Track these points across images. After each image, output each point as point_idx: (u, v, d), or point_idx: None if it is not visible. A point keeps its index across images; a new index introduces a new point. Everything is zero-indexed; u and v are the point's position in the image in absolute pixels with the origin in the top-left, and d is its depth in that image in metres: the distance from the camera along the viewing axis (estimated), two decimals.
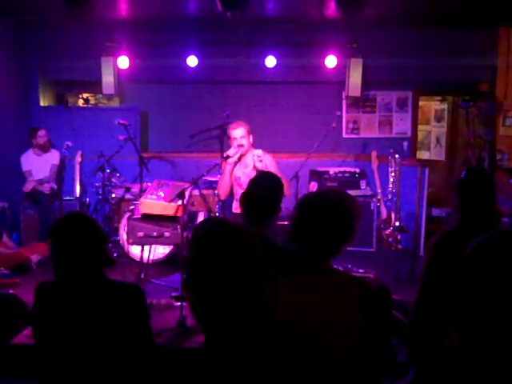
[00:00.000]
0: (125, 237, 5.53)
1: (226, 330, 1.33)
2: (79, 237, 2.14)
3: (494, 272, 1.37)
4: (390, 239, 5.44)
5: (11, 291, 4.20)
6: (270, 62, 7.32)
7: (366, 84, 7.43)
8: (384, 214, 5.82)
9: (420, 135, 8.68)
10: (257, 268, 1.36)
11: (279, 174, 4.55)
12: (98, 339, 2.10)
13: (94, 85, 7.56)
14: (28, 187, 6.55)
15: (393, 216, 5.56)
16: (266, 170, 4.45)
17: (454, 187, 2.68)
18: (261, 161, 4.50)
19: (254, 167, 4.67)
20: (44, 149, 6.70)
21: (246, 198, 2.81)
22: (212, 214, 5.87)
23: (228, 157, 4.59)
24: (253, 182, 2.87)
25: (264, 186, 2.82)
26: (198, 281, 1.35)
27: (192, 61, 7.32)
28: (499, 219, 2.65)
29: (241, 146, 4.62)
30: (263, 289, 1.38)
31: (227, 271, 1.32)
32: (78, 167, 6.52)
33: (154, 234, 4.32)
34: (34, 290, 2.22)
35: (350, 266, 5.43)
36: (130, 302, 2.16)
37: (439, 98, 8.85)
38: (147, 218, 4.39)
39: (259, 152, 4.69)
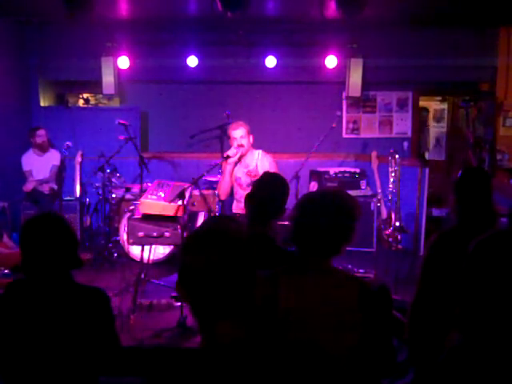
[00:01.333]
0: (125, 237, 5.53)
1: (220, 331, 1.33)
2: (47, 237, 2.14)
3: (495, 271, 1.37)
4: (390, 239, 5.44)
5: None
6: (270, 62, 7.32)
7: (366, 84, 7.42)
8: (384, 214, 5.81)
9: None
10: (250, 269, 1.35)
11: None
12: (60, 339, 2.11)
13: (94, 85, 7.56)
14: (28, 187, 6.55)
15: (393, 216, 5.56)
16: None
17: (452, 187, 2.69)
18: (255, 176, 4.53)
19: (255, 168, 4.68)
20: (43, 148, 6.70)
21: (250, 199, 2.81)
22: (212, 214, 5.88)
23: (228, 157, 4.59)
24: (258, 183, 2.87)
25: (269, 187, 2.82)
26: (191, 282, 1.35)
27: (192, 61, 7.32)
28: (497, 219, 2.65)
29: (241, 146, 4.62)
30: (258, 289, 1.38)
31: (219, 272, 1.32)
32: (78, 167, 6.53)
33: (154, 234, 4.32)
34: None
35: (350, 266, 5.43)
36: (93, 305, 2.18)
37: (439, 98, 8.86)
38: (147, 218, 4.39)
39: (261, 155, 4.69)
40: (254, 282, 1.37)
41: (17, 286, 2.21)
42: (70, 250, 2.20)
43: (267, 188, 2.80)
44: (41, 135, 6.64)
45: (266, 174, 3.02)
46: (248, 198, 2.83)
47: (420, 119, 7.96)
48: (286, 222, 2.09)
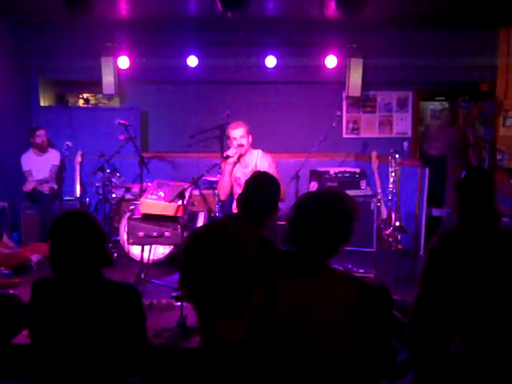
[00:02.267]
0: (125, 237, 5.53)
1: (220, 330, 1.33)
2: (78, 234, 2.13)
3: (501, 274, 1.37)
4: (390, 239, 5.44)
5: (11, 291, 4.20)
6: (270, 61, 7.32)
7: (366, 84, 7.42)
8: (384, 214, 5.81)
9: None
10: (252, 269, 1.35)
11: (278, 177, 4.56)
12: (91, 338, 2.10)
13: (94, 85, 7.56)
14: (28, 187, 6.55)
15: (393, 216, 5.56)
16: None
17: (454, 187, 2.68)
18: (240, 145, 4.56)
19: (255, 167, 4.68)
20: (42, 149, 6.69)
21: (242, 199, 2.81)
22: (212, 214, 5.87)
23: (228, 157, 4.59)
24: (248, 183, 2.87)
25: (259, 186, 2.81)
26: (192, 281, 1.35)
27: (192, 61, 7.32)
28: (500, 220, 2.65)
29: (241, 146, 4.62)
30: (257, 290, 1.38)
31: (220, 271, 1.32)
32: (78, 167, 6.52)
33: (154, 234, 4.32)
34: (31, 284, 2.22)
35: (350, 265, 5.43)
36: (125, 303, 2.15)
37: (439, 98, 8.85)
38: (147, 218, 4.39)
39: (260, 154, 4.69)
40: (256, 281, 1.37)
41: (45, 285, 2.20)
42: (100, 248, 2.18)
43: (258, 188, 2.80)
44: (40, 135, 6.64)
45: (256, 174, 3.01)
46: (239, 198, 2.83)
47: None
48: (284, 222, 2.08)
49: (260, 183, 2.84)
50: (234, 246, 1.34)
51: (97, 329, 2.10)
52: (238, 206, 2.85)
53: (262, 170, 4.61)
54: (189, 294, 1.36)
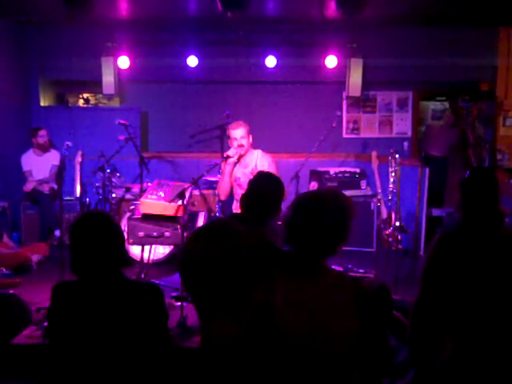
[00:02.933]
0: (125, 237, 5.53)
1: (219, 329, 1.33)
2: (99, 236, 2.13)
3: (502, 274, 1.37)
4: (391, 239, 5.44)
5: (11, 291, 4.20)
6: (270, 61, 7.33)
7: (366, 84, 7.43)
8: (384, 214, 5.82)
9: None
10: (249, 269, 1.35)
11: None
12: (116, 339, 2.09)
13: (94, 85, 7.57)
14: (29, 187, 6.55)
15: (393, 216, 5.56)
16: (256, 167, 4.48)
17: (459, 187, 2.68)
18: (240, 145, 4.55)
19: (255, 167, 4.67)
20: (44, 149, 6.70)
21: (245, 200, 2.80)
22: (212, 214, 5.87)
23: (228, 157, 4.59)
24: (252, 184, 2.87)
25: (263, 187, 2.81)
26: (189, 280, 1.35)
27: (192, 61, 7.33)
28: (503, 220, 2.64)
29: (241, 146, 4.62)
30: (258, 289, 1.38)
31: (219, 270, 1.32)
32: (78, 167, 6.53)
33: (155, 234, 4.32)
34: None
35: (350, 265, 5.43)
36: (149, 302, 2.14)
37: (439, 98, 8.85)
38: (147, 218, 4.39)
39: (260, 154, 4.69)
40: (255, 281, 1.37)
41: (66, 289, 2.19)
42: (120, 248, 2.19)
43: (261, 187, 2.80)
44: (42, 135, 6.64)
45: (259, 174, 3.01)
46: (242, 198, 2.83)
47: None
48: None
49: (264, 183, 2.84)
50: (233, 246, 1.35)
51: (122, 329, 2.09)
52: (241, 206, 2.84)
53: (261, 169, 4.61)
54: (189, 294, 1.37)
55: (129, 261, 2.25)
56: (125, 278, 2.20)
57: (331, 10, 6.01)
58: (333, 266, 2.15)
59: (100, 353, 2.09)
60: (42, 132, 6.65)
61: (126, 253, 2.22)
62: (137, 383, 2.13)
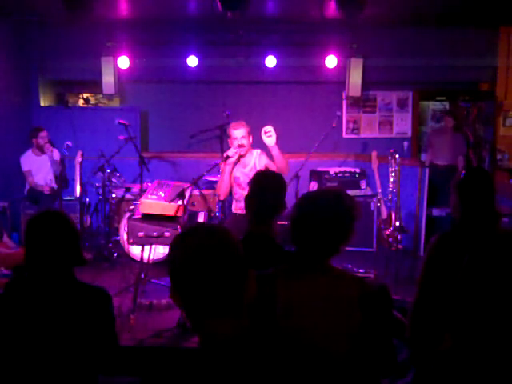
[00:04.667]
0: (125, 237, 5.53)
1: (213, 330, 1.33)
2: (51, 234, 2.14)
3: (494, 275, 1.37)
4: (391, 239, 5.44)
5: None
6: (270, 62, 7.33)
7: (366, 84, 7.43)
8: (384, 214, 5.81)
9: None
10: (240, 268, 1.35)
11: (280, 159, 4.52)
12: (59, 338, 2.11)
13: (94, 85, 7.57)
14: (33, 180, 6.57)
15: (393, 216, 5.55)
16: (274, 140, 4.48)
17: (454, 187, 2.68)
18: (270, 136, 4.51)
19: (254, 167, 4.67)
20: (43, 150, 6.69)
21: (250, 200, 2.81)
22: (212, 214, 5.88)
23: (228, 157, 4.58)
24: (255, 183, 2.87)
25: (267, 186, 2.81)
26: (181, 283, 1.35)
27: (192, 61, 7.33)
28: (499, 220, 2.65)
29: (241, 146, 4.61)
30: (250, 288, 1.37)
31: (209, 271, 1.31)
32: (78, 167, 6.52)
33: (155, 234, 4.32)
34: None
35: (350, 265, 5.43)
36: (95, 305, 2.17)
37: (439, 98, 8.86)
38: (147, 218, 4.39)
39: (259, 154, 4.69)
40: (246, 277, 1.37)
41: (17, 285, 2.21)
42: (72, 247, 2.19)
43: (265, 187, 2.80)
44: (43, 137, 6.62)
45: (260, 173, 3.01)
46: (248, 199, 2.83)
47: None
48: (286, 222, 2.08)
49: (266, 182, 2.84)
50: (217, 246, 1.34)
51: (66, 328, 2.11)
52: (245, 207, 2.85)
53: (260, 169, 4.61)
54: (180, 297, 1.36)
55: (82, 259, 2.25)
56: (74, 278, 2.21)
57: (331, 9, 6.01)
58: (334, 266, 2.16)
59: (43, 351, 2.10)
60: (43, 133, 6.64)
61: (79, 252, 2.23)
62: (81, 382, 2.16)
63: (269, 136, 4.51)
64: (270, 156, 4.66)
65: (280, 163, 4.50)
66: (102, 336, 2.19)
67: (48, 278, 2.15)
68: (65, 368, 2.12)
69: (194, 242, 1.34)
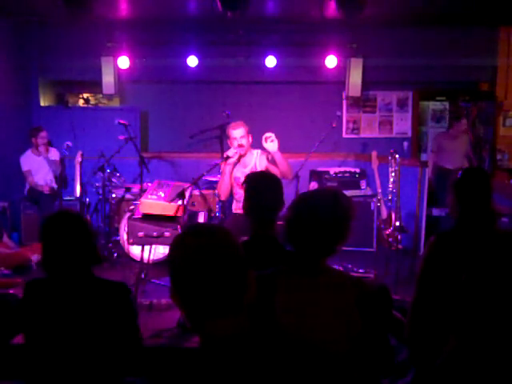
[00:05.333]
0: (125, 237, 5.53)
1: (216, 330, 1.33)
2: (69, 234, 2.16)
3: (498, 276, 1.37)
4: (390, 239, 5.44)
5: (11, 291, 4.20)
6: (270, 62, 7.33)
7: (366, 84, 7.43)
8: (384, 214, 5.81)
9: None
10: (240, 268, 1.35)
11: (283, 164, 4.50)
12: (85, 337, 2.11)
13: (94, 85, 7.57)
14: (33, 180, 6.56)
15: (393, 216, 5.55)
16: (275, 146, 4.46)
17: (451, 187, 2.68)
18: (272, 141, 4.46)
19: (254, 167, 4.67)
20: (42, 149, 6.68)
21: (250, 204, 2.81)
22: (212, 214, 5.88)
23: (228, 157, 4.58)
24: (251, 187, 2.88)
25: (264, 188, 2.82)
26: (182, 284, 1.34)
27: (192, 61, 7.33)
28: (496, 219, 2.65)
29: (241, 146, 4.61)
30: (250, 288, 1.38)
31: (210, 271, 1.31)
32: (78, 167, 6.52)
33: (155, 234, 4.32)
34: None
35: (350, 265, 5.43)
36: (117, 300, 2.18)
37: (439, 98, 8.86)
38: (147, 218, 4.39)
39: (259, 154, 4.69)
40: (246, 277, 1.37)
41: (37, 285, 2.21)
42: (90, 246, 2.21)
43: (262, 189, 2.81)
44: (43, 137, 6.62)
45: (253, 176, 3.01)
46: (247, 202, 2.84)
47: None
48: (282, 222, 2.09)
49: (263, 184, 2.85)
50: (217, 246, 1.34)
51: (90, 327, 2.12)
52: (244, 211, 2.86)
53: (261, 169, 4.61)
54: (181, 298, 1.36)
55: (100, 258, 2.30)
56: (94, 276, 2.23)
57: (331, 9, 6.01)
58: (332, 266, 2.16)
59: (69, 350, 2.11)
60: (43, 133, 6.63)
61: (96, 250, 2.26)
62: (106, 380, 2.15)
63: (271, 141, 4.46)
64: (271, 161, 4.64)
65: (283, 168, 4.49)
66: (125, 331, 2.19)
67: (69, 278, 2.17)
68: (90, 366, 2.12)
69: (194, 243, 1.34)
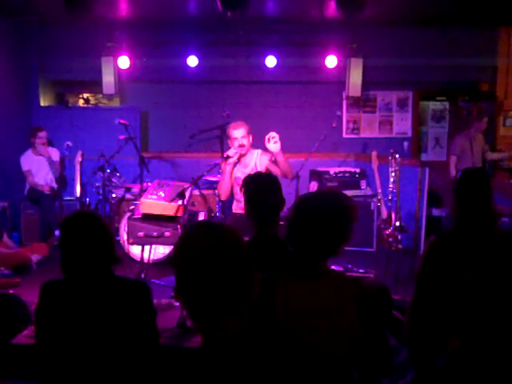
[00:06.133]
0: (125, 237, 5.53)
1: (220, 329, 1.33)
2: (90, 234, 2.16)
3: (503, 276, 1.37)
4: (391, 239, 5.44)
5: (11, 291, 4.20)
6: (270, 61, 7.33)
7: (366, 84, 7.43)
8: (384, 214, 5.81)
9: None
10: (246, 267, 1.35)
11: (285, 164, 4.50)
12: (105, 337, 2.11)
13: (94, 85, 7.57)
14: (33, 180, 6.56)
15: (393, 216, 5.55)
16: (278, 147, 4.44)
17: (451, 187, 2.69)
18: (276, 142, 4.43)
19: (254, 167, 4.67)
20: (41, 150, 6.68)
21: (251, 206, 2.82)
22: (212, 214, 5.87)
23: (228, 157, 4.58)
24: (250, 189, 2.88)
25: (264, 189, 2.83)
26: (188, 283, 1.34)
27: (192, 61, 7.33)
28: (496, 220, 2.65)
29: (241, 146, 4.61)
30: (256, 287, 1.37)
31: (216, 271, 1.31)
32: (78, 167, 6.52)
33: (155, 234, 4.32)
34: (38, 288, 2.23)
35: (350, 265, 5.42)
36: (137, 299, 2.17)
37: (439, 98, 8.85)
38: (147, 217, 4.39)
39: (260, 154, 4.69)
40: (252, 276, 1.36)
41: (55, 288, 2.21)
42: (110, 246, 2.21)
43: (262, 190, 2.82)
44: (42, 137, 6.63)
45: (251, 178, 3.01)
46: (248, 204, 2.84)
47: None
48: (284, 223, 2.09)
49: (262, 185, 2.85)
50: (224, 244, 1.34)
51: (111, 327, 2.11)
52: (246, 212, 2.87)
53: (261, 169, 4.61)
54: (185, 297, 1.36)
55: (119, 258, 2.27)
56: (113, 275, 2.23)
57: (331, 9, 6.01)
58: (333, 266, 2.16)
59: (89, 351, 2.10)
60: (42, 133, 6.64)
61: (115, 251, 2.25)
62: (126, 380, 2.14)
63: (274, 142, 4.44)
64: (273, 161, 4.64)
65: (285, 168, 4.50)
66: (144, 330, 2.18)
67: (89, 278, 2.16)
68: (111, 364, 2.11)
69: (200, 241, 1.34)
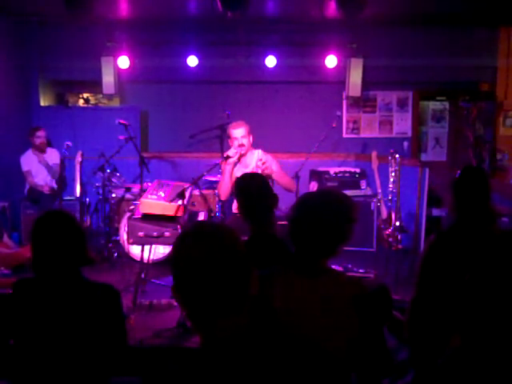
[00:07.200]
0: (125, 237, 5.53)
1: (219, 329, 1.33)
2: (58, 234, 2.16)
3: (504, 275, 1.36)
4: (391, 239, 5.44)
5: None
6: (270, 61, 7.33)
7: (366, 84, 7.43)
8: (384, 214, 5.81)
9: None
10: (244, 267, 1.35)
11: (282, 172, 4.56)
12: (71, 337, 2.12)
13: (94, 85, 7.56)
14: (33, 181, 6.57)
15: (393, 216, 5.55)
16: (269, 171, 4.43)
17: (450, 187, 2.69)
18: (264, 164, 4.44)
19: (256, 168, 4.67)
20: (41, 149, 6.68)
21: (245, 208, 2.83)
22: (212, 214, 5.87)
23: (228, 157, 4.59)
24: (241, 191, 2.89)
25: (253, 189, 2.84)
26: (186, 283, 1.34)
27: (192, 61, 7.33)
28: (496, 219, 2.65)
29: (242, 145, 4.62)
30: (254, 286, 1.37)
31: (214, 271, 1.31)
32: (78, 167, 6.51)
33: (155, 234, 4.32)
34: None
35: (350, 265, 5.43)
36: (104, 302, 2.18)
37: (439, 98, 8.85)
38: (147, 217, 4.39)
39: (260, 154, 4.69)
40: (250, 275, 1.36)
41: (25, 285, 2.22)
42: (79, 248, 2.20)
43: (252, 191, 2.83)
44: (40, 136, 6.63)
45: (241, 180, 3.02)
46: (240, 207, 2.85)
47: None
48: (285, 222, 2.09)
49: (251, 185, 2.87)
50: (222, 244, 1.34)
51: (77, 328, 2.12)
52: (241, 214, 2.87)
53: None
54: (183, 297, 1.36)
55: (90, 259, 2.29)
56: (83, 277, 2.22)
57: (331, 9, 6.01)
58: (333, 266, 2.16)
59: (55, 351, 2.11)
60: (40, 133, 6.63)
61: (86, 252, 2.24)
62: (92, 381, 2.16)
63: (265, 168, 4.41)
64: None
65: (285, 183, 4.54)
66: (112, 333, 2.19)
67: (56, 278, 2.16)
68: (76, 368, 2.12)
69: (198, 242, 1.34)
